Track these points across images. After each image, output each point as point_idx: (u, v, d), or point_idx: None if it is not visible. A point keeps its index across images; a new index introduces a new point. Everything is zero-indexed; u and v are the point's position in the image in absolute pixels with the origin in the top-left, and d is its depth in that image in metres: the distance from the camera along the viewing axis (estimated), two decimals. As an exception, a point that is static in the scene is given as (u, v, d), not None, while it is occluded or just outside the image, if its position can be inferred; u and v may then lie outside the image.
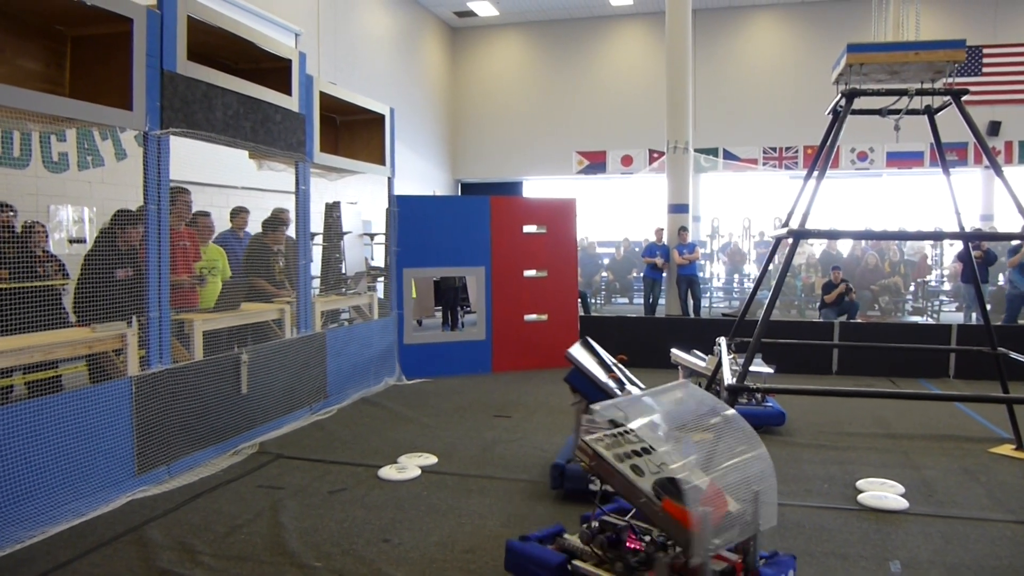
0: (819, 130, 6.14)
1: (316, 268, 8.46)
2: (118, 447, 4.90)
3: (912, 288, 15.67)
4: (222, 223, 8.37)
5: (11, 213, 5.82)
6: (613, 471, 3.21)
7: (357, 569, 3.95)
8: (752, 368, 5.64)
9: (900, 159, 18.96)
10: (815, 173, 5.51)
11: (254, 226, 8.40)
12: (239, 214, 8.43)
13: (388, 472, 5.48)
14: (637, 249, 18.18)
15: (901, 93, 5.51)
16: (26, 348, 4.60)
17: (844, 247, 16.34)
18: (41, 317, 4.83)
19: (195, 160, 7.78)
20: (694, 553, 3.02)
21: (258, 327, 6.92)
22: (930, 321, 14.28)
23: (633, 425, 3.33)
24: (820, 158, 5.72)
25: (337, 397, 7.61)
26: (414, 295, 11.30)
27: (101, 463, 4.76)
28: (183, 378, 5.46)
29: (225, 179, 10.17)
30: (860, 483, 5.28)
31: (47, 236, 6.68)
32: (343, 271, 8.83)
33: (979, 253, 11.64)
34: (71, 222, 8.64)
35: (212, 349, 5.98)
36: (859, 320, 12.38)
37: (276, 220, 8.06)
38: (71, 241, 8.47)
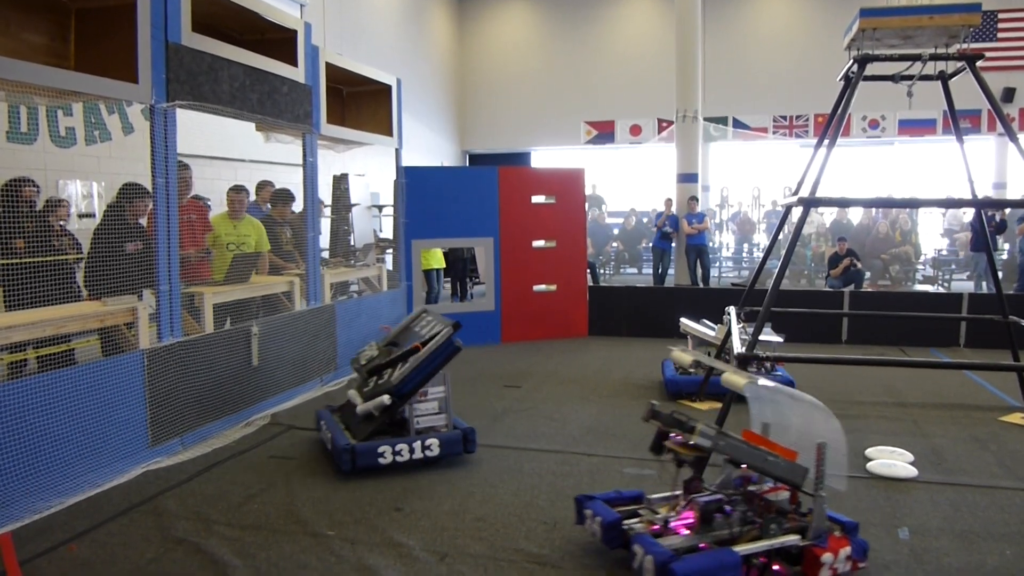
0: (830, 98, 6.07)
1: (325, 240, 8.45)
2: (132, 419, 4.95)
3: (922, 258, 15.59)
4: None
5: (34, 189, 5.84)
6: (738, 443, 3.51)
7: (370, 537, 4.00)
8: (761, 337, 5.64)
9: (912, 127, 18.76)
10: (826, 141, 5.46)
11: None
12: (264, 188, 8.44)
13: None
14: (645, 220, 18.12)
15: (914, 58, 5.43)
16: (38, 322, 4.63)
17: (855, 216, 16.23)
18: (54, 292, 4.86)
19: (202, 133, 7.78)
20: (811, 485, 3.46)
21: (268, 299, 6.94)
22: (941, 290, 14.21)
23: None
24: (831, 126, 5.66)
25: (347, 368, 7.62)
26: (434, 264, 11.31)
27: (115, 435, 4.81)
28: (194, 350, 5.49)
29: (232, 152, 10.15)
30: (869, 451, 5.29)
31: (69, 213, 6.71)
32: (352, 243, 8.83)
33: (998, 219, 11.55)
34: (80, 197, 8.65)
35: (223, 322, 6.02)
36: (869, 289, 12.34)
37: (283, 194, 8.06)
38: (81, 216, 8.49)
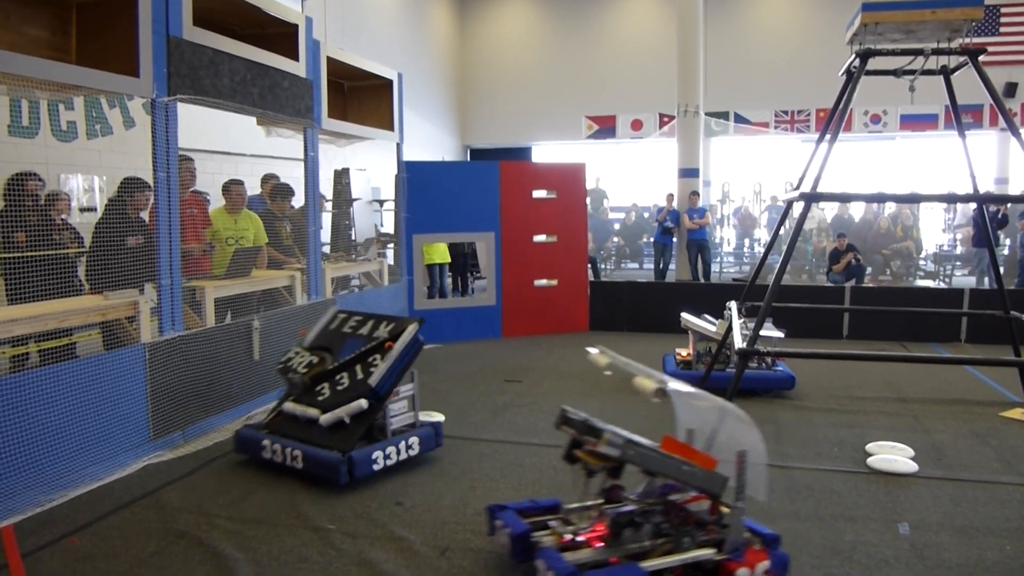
0: (831, 93, 6.06)
1: (326, 235, 8.45)
2: (133, 413, 4.95)
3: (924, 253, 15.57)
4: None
5: (39, 183, 5.84)
6: (650, 452, 3.32)
7: (370, 531, 4.01)
8: (762, 332, 5.64)
9: (914, 122, 18.72)
10: (827, 136, 5.45)
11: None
12: (268, 181, 8.44)
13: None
14: (646, 215, 18.10)
15: (916, 53, 5.42)
16: (40, 316, 4.63)
17: (856, 211, 16.21)
18: (56, 285, 4.86)
19: (203, 127, 7.78)
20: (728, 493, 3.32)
21: (269, 293, 6.95)
22: (942, 285, 14.20)
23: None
24: (833, 121, 5.65)
25: (348, 362, 7.65)
26: (437, 260, 11.29)
27: (117, 429, 4.82)
28: (196, 344, 5.50)
29: (233, 146, 10.15)
30: (870, 446, 5.29)
31: (69, 206, 6.70)
32: (353, 238, 8.84)
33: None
34: (81, 191, 8.65)
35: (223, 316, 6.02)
36: (870, 284, 12.34)
37: (283, 189, 8.05)
38: (82, 210, 8.49)
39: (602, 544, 3.31)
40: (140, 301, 5.14)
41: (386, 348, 4.88)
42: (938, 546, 3.86)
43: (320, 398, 4.86)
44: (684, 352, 7.21)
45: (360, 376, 4.83)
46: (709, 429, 3.58)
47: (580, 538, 3.37)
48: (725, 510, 3.41)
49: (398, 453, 4.79)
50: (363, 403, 4.66)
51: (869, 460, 5.06)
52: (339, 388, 4.85)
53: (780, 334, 6.76)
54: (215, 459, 5.12)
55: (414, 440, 4.91)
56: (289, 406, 4.93)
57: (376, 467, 4.65)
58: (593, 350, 3.93)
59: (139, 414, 5.01)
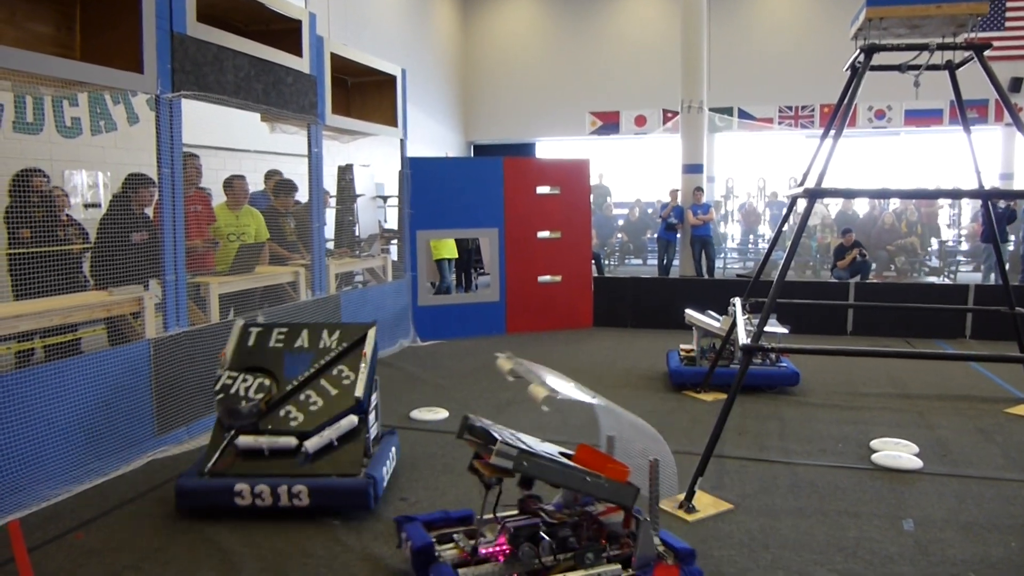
0: (836, 88, 6.03)
1: (330, 231, 8.46)
2: (138, 408, 4.97)
3: (932, 247, 15.52)
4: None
5: (44, 179, 5.85)
6: (548, 463, 3.13)
7: (374, 526, 4.01)
8: (767, 328, 5.63)
9: (919, 117, 18.66)
10: (832, 132, 5.42)
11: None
12: (271, 177, 8.45)
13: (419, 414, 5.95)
14: (650, 211, 18.08)
15: (921, 48, 5.39)
16: (46, 311, 4.64)
17: (861, 207, 16.18)
18: (61, 281, 4.87)
19: (207, 124, 7.78)
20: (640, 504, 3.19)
21: (273, 290, 6.95)
22: (947, 281, 14.17)
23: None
24: (837, 116, 5.63)
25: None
26: (445, 255, 11.27)
27: (122, 424, 4.83)
28: (201, 340, 5.51)
29: (237, 143, 10.15)
30: (874, 443, 5.29)
31: (68, 201, 6.72)
32: (356, 234, 8.84)
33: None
34: (86, 187, 8.67)
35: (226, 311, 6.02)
36: (874, 280, 12.32)
37: (286, 185, 8.06)
38: (86, 206, 8.50)
39: (502, 560, 3.18)
40: (145, 297, 5.15)
41: (363, 356, 4.53)
42: (943, 542, 3.86)
43: (293, 423, 4.30)
44: (687, 348, 7.21)
45: (334, 392, 4.42)
46: (625, 437, 3.43)
47: (483, 552, 3.21)
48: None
49: (391, 463, 4.58)
50: (354, 419, 4.31)
51: (873, 456, 5.05)
52: (313, 408, 4.35)
53: (784, 330, 6.75)
54: (220, 455, 5.13)
55: (393, 448, 4.68)
56: (246, 440, 4.19)
57: (384, 484, 4.36)
58: (500, 355, 3.75)
59: (144, 409, 5.02)
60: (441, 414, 6.02)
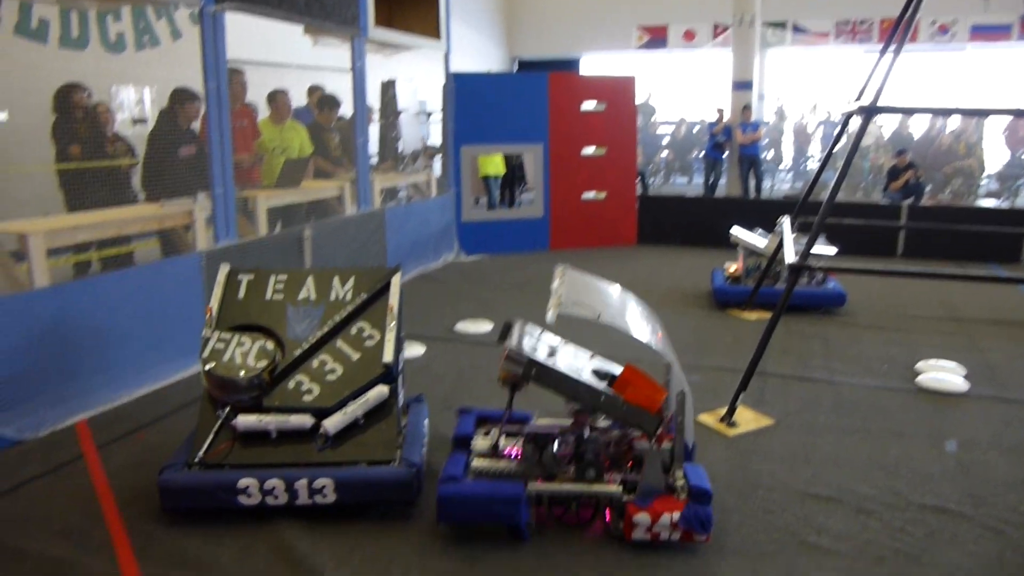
0: (897, 1, 5.75)
1: (373, 147, 8.45)
2: (192, 317, 5.11)
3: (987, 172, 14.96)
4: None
5: (86, 94, 5.91)
6: (561, 376, 3.13)
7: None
8: (815, 249, 5.55)
9: (986, 32, 17.72)
10: (891, 47, 5.20)
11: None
12: (314, 92, 8.42)
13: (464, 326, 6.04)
14: (696, 129, 17.67)
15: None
16: (102, 223, 4.77)
17: (917, 128, 15.58)
18: (113, 195, 4.98)
19: (249, 39, 7.71)
20: (662, 433, 3.20)
21: (318, 205, 7.02)
22: (1004, 205, 13.71)
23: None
24: (897, 31, 5.38)
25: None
26: (491, 171, 11.20)
27: (178, 332, 4.99)
28: (250, 253, 5.61)
29: (279, 58, 10.07)
30: (920, 365, 5.24)
31: (113, 117, 6.78)
32: (400, 149, 8.82)
33: None
34: (132, 103, 8.72)
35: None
36: (928, 203, 11.97)
37: (329, 100, 8.02)
38: (134, 122, 8.58)
39: (515, 459, 3.27)
40: (195, 209, 5.24)
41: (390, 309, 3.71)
42: (985, 464, 3.85)
43: (307, 397, 3.47)
44: (733, 267, 7.14)
45: (356, 356, 3.60)
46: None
47: (506, 451, 3.33)
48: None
49: (425, 439, 3.77)
50: (383, 390, 3.50)
51: (919, 378, 5.01)
52: (330, 378, 3.53)
53: (832, 251, 6.64)
54: (271, 364, 5.28)
55: (425, 423, 3.89)
56: (247, 421, 3.36)
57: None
58: (558, 268, 3.70)
59: (198, 319, 5.15)
60: (486, 326, 6.10)
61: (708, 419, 4.35)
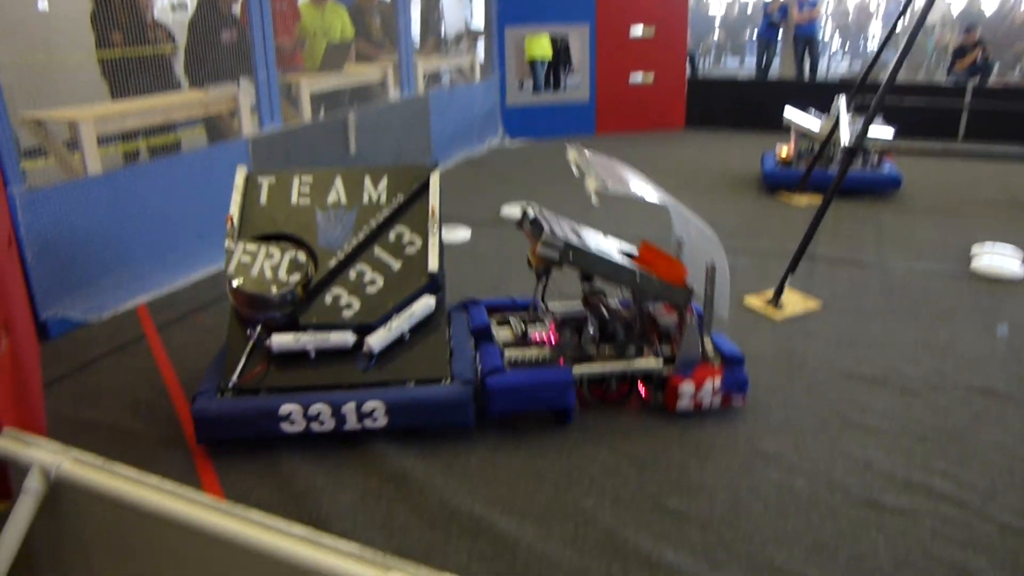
0: None
1: (415, 29, 8.25)
2: (242, 204, 5.20)
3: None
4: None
5: None
6: (595, 257, 3.13)
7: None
8: (871, 131, 5.35)
9: None
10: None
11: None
12: None
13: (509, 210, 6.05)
14: (750, 11, 16.85)
15: None
16: (148, 110, 4.79)
17: (989, 3, 14.63)
18: (157, 82, 4.97)
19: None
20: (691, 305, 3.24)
21: (361, 90, 6.94)
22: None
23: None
24: None
25: (441, 158, 7.72)
26: (538, 54, 10.88)
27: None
28: (295, 138, 5.62)
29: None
30: (976, 249, 5.12)
31: (151, 3, 6.70)
32: (443, 32, 8.60)
33: None
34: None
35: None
36: (995, 84, 11.36)
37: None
38: (173, 7, 8.47)
39: (549, 345, 3.28)
40: (240, 95, 5.23)
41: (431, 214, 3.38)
42: (1037, 347, 3.80)
43: (347, 313, 3.19)
44: (784, 150, 6.95)
45: (397, 265, 3.30)
46: (693, 240, 3.39)
47: (533, 337, 3.32)
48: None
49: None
50: (430, 302, 3.23)
51: (973, 263, 4.91)
52: (371, 291, 3.25)
53: (890, 132, 6.40)
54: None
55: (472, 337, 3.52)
56: (282, 341, 3.07)
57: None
58: (569, 148, 3.63)
59: (247, 205, 5.24)
60: (530, 212, 6.09)
61: (755, 302, 4.35)
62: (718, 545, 2.42)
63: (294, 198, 3.43)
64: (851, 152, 4.41)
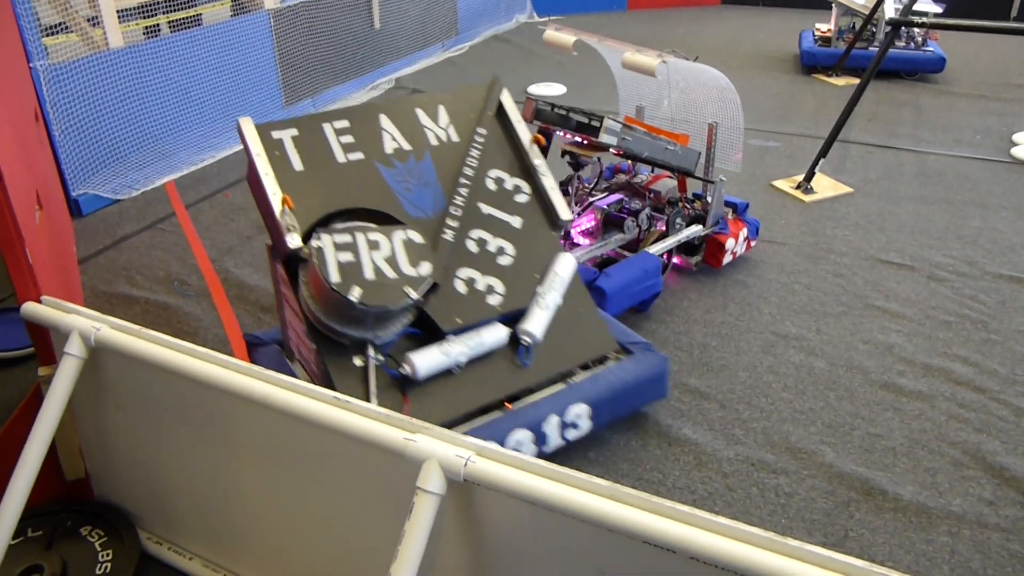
0: None
1: None
2: (265, 80, 5.12)
3: None
4: None
5: None
6: (648, 141, 3.06)
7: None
8: (918, 5, 5.08)
9: None
10: None
11: None
12: None
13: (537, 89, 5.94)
14: None
15: None
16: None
17: None
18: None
19: None
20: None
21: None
22: None
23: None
24: None
25: (468, 34, 7.50)
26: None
27: (252, 95, 5.03)
28: (318, 11, 5.46)
29: None
30: (1017, 135, 4.95)
31: None
32: None
33: None
34: None
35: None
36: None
37: None
38: None
39: (591, 239, 3.18)
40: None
41: (533, 142, 2.59)
42: (1072, 235, 3.73)
43: (491, 299, 2.36)
44: (824, 28, 6.64)
45: (517, 222, 2.49)
46: (664, 98, 3.41)
47: (576, 232, 3.20)
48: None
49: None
50: (572, 260, 2.51)
51: (1014, 150, 4.76)
52: (503, 262, 2.42)
53: (939, 8, 6.08)
54: (344, 127, 5.32)
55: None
56: (429, 361, 2.18)
57: None
58: (550, 28, 3.68)
59: (271, 81, 5.17)
60: (559, 89, 5.96)
61: (785, 185, 4.28)
62: (736, 422, 2.48)
63: (338, 154, 2.39)
64: (896, 24, 4.20)
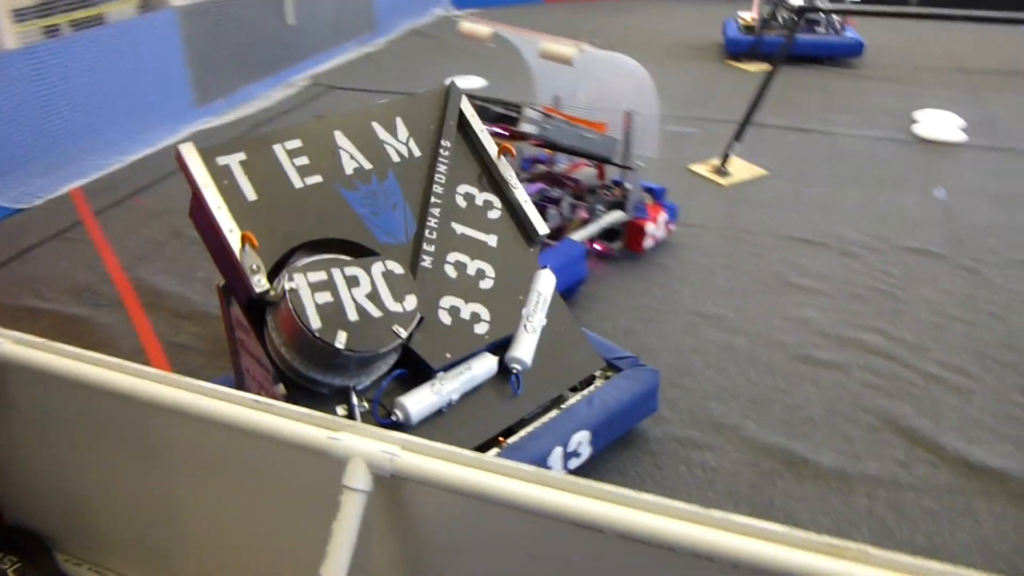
0: None
1: None
2: (173, 79, 4.97)
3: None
4: None
5: None
6: (567, 129, 3.12)
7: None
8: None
9: None
10: None
11: None
12: None
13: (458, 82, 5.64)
14: None
15: None
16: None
17: None
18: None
19: None
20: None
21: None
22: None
23: None
24: None
25: (386, 28, 7.43)
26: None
27: (161, 95, 4.87)
28: (228, 7, 5.33)
29: None
30: (917, 114, 5.17)
31: None
32: None
33: None
34: None
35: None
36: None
37: None
38: None
39: None
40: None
41: (502, 152, 2.43)
42: (970, 210, 3.92)
43: (479, 328, 2.20)
44: (748, 16, 6.73)
45: (491, 240, 2.34)
46: (580, 87, 3.47)
47: None
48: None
49: None
50: (551, 276, 2.37)
51: (914, 127, 4.97)
52: (485, 286, 2.27)
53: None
54: (260, 124, 5.21)
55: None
56: (420, 403, 2.04)
57: None
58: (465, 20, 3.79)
59: (179, 80, 5.02)
60: (479, 82, 5.95)
61: (702, 169, 4.37)
62: (662, 402, 2.52)
63: (294, 178, 2.15)
64: (800, 11, 4.33)
